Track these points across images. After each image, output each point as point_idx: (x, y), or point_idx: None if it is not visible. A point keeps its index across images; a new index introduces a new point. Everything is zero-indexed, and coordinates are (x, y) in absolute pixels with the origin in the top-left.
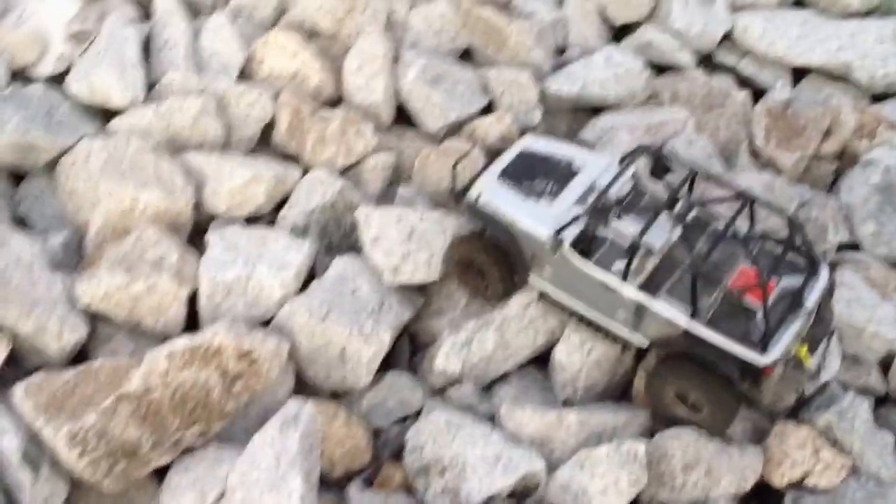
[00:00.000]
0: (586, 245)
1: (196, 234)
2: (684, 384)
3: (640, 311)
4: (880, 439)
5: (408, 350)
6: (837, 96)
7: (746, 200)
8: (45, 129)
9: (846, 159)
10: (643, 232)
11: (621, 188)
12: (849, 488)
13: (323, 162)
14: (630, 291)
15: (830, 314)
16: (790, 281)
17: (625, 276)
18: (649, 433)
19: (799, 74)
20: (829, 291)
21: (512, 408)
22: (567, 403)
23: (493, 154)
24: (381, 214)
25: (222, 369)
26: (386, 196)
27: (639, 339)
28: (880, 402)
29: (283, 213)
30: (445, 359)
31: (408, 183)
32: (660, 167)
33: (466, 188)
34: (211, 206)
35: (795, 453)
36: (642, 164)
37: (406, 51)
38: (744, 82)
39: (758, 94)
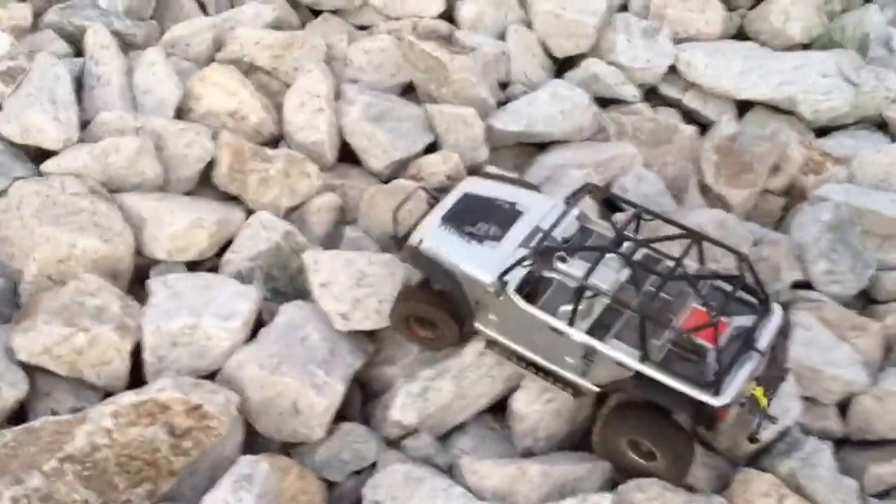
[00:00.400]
0: (532, 289)
1: (136, 281)
2: (636, 432)
3: (588, 355)
4: (845, 485)
5: (359, 399)
6: (784, 131)
7: (695, 239)
8: None
9: (794, 195)
10: (588, 273)
11: (567, 229)
12: None
13: (266, 204)
14: (578, 335)
15: (785, 355)
16: (742, 321)
17: (572, 319)
18: (612, 483)
19: (743, 107)
20: (784, 331)
21: (472, 461)
22: (527, 453)
23: (437, 196)
24: (330, 259)
25: (170, 425)
26: (332, 237)
27: (588, 385)
28: (838, 444)
29: (226, 257)
30: (401, 410)
31: (354, 224)
32: (608, 206)
33: (408, 234)
34: (151, 251)
35: (759, 502)
36: (589, 204)
37: (347, 87)
38: (688, 115)
39: (703, 127)
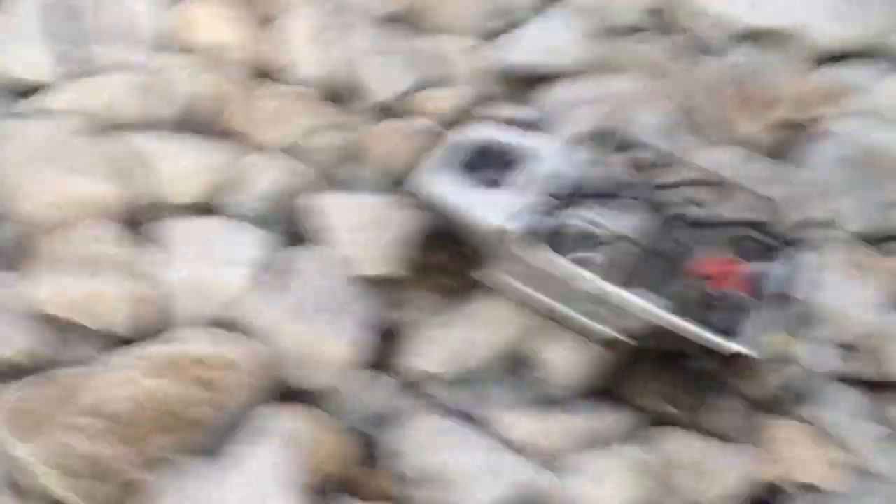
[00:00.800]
0: (554, 237)
1: (137, 224)
2: (660, 380)
3: (612, 306)
4: (871, 431)
5: (381, 346)
6: (796, 62)
7: (717, 182)
8: None
9: (808, 128)
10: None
11: (582, 173)
12: (841, 484)
13: (268, 142)
14: (598, 284)
15: (809, 299)
16: (765, 266)
17: (590, 267)
18: (641, 432)
19: (747, 37)
20: (806, 275)
21: (500, 411)
22: (553, 403)
23: (444, 134)
24: (339, 201)
25: (196, 376)
26: (338, 176)
27: (609, 330)
28: (868, 386)
29: (231, 199)
30: (423, 357)
31: (360, 161)
32: (621, 148)
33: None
34: (152, 193)
35: (785, 448)
36: (605, 146)
37: (349, 17)
38: (694, 44)
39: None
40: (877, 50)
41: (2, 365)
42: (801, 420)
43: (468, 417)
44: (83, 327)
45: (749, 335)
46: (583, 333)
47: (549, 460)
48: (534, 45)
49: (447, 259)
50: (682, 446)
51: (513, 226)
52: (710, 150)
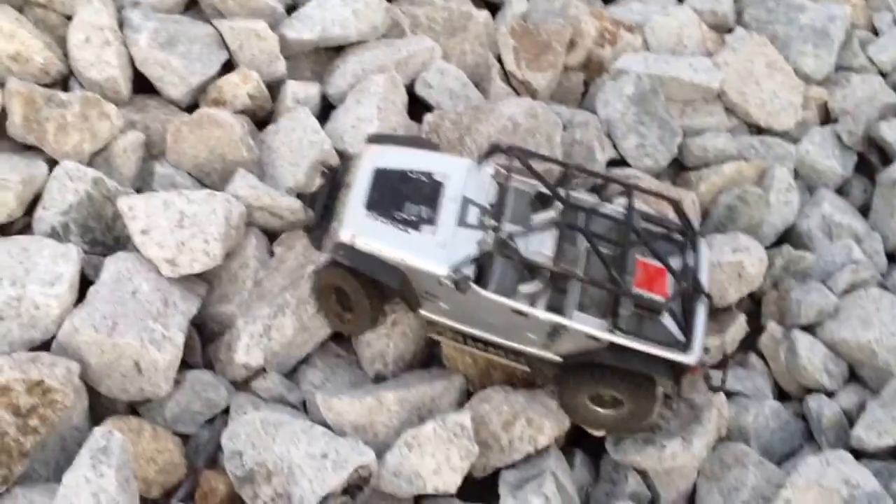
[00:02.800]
0: (485, 273)
1: None
2: (601, 389)
3: (555, 331)
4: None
5: (198, 343)
6: (573, 3)
7: (626, 189)
8: None
9: (592, 68)
10: (558, 254)
11: (489, 192)
12: (666, 418)
13: (68, 152)
14: (546, 315)
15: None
16: (680, 263)
17: (534, 300)
18: (466, 395)
19: None
20: (706, 264)
21: (327, 399)
22: (378, 378)
23: (333, 168)
24: (146, 202)
25: (13, 406)
26: (143, 176)
27: (552, 357)
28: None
29: (37, 214)
30: (246, 351)
31: (163, 158)
32: (521, 161)
33: (320, 220)
34: None
35: None
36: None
37: (130, 13)
38: None
39: (493, 7)
40: None
41: None
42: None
43: (297, 407)
44: None
45: (694, 343)
46: (520, 359)
47: (380, 439)
48: (321, 19)
49: (357, 292)
50: (504, 402)
51: (447, 271)
52: (503, 103)
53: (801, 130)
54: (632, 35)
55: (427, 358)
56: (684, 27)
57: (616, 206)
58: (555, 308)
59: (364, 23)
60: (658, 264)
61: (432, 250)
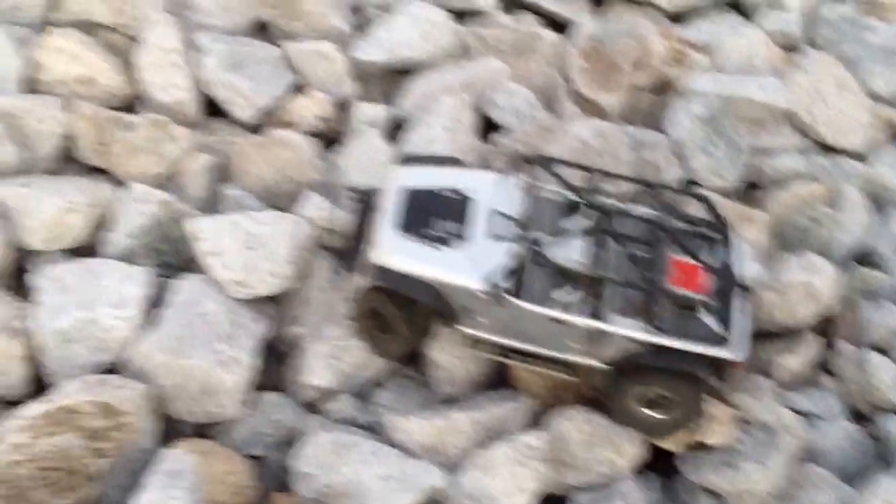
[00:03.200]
0: (520, 284)
1: (13, 275)
2: (647, 389)
3: (595, 337)
4: (759, 385)
5: (270, 364)
6: (643, 24)
7: (655, 188)
8: None
9: (661, 88)
10: (592, 258)
11: (519, 204)
12: (741, 440)
13: (137, 174)
14: (585, 321)
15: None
16: (716, 260)
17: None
18: (538, 417)
19: (599, 1)
20: (744, 260)
21: (398, 419)
22: (448, 399)
23: (365, 194)
24: (214, 225)
25: (83, 429)
26: (212, 199)
27: (595, 363)
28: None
29: (106, 237)
30: (316, 373)
31: (232, 181)
32: (547, 169)
33: (355, 246)
34: (26, 242)
35: None
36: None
37: (199, 35)
38: (545, 17)
39: (561, 27)
40: (717, 1)
41: None
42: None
43: (368, 429)
44: None
45: (736, 338)
46: (563, 369)
47: (451, 460)
48: (389, 41)
49: (397, 317)
50: (587, 423)
51: (480, 283)
52: (572, 125)
53: (871, 150)
54: (701, 55)
55: (497, 379)
56: (754, 47)
57: (646, 209)
58: (591, 313)
59: (432, 45)
60: (692, 262)
61: (464, 265)
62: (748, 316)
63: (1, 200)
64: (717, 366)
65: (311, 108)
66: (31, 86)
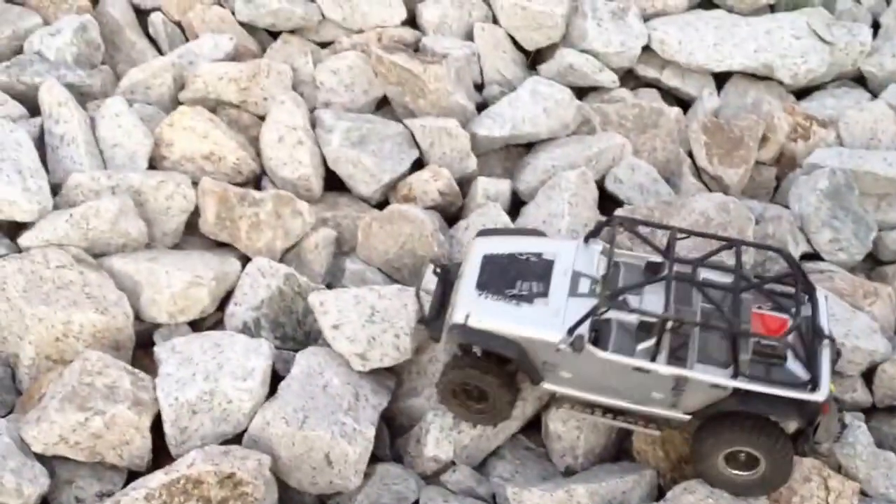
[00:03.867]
0: (598, 336)
1: (138, 347)
2: (734, 443)
3: (678, 386)
4: (884, 460)
5: (387, 436)
6: (766, 99)
7: (736, 245)
8: None
9: (784, 163)
10: (667, 305)
11: (599, 267)
12: None
13: (261, 248)
14: (668, 369)
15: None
16: (799, 313)
17: (655, 355)
18: (658, 489)
19: (721, 77)
20: (827, 314)
21: (518, 491)
22: (568, 472)
23: (446, 265)
24: (337, 298)
25: (205, 499)
26: (333, 272)
27: (679, 416)
28: (866, 413)
29: (229, 310)
30: (436, 445)
31: (353, 254)
32: (632, 232)
33: (436, 313)
34: (150, 315)
35: (803, 488)
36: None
37: (323, 112)
38: (667, 93)
39: (683, 103)
40: (841, 76)
41: None
42: (817, 456)
43: (486, 500)
44: (92, 464)
45: (821, 381)
46: (649, 424)
47: None
48: (511, 116)
49: (490, 381)
50: (709, 499)
51: (562, 336)
52: (694, 199)
53: None
54: (825, 130)
55: (617, 451)
56: (879, 121)
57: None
58: (674, 361)
59: (555, 120)
60: (775, 314)
61: (546, 319)
62: (828, 362)
63: (129, 275)
64: (803, 411)
65: (434, 183)
66: (159, 163)
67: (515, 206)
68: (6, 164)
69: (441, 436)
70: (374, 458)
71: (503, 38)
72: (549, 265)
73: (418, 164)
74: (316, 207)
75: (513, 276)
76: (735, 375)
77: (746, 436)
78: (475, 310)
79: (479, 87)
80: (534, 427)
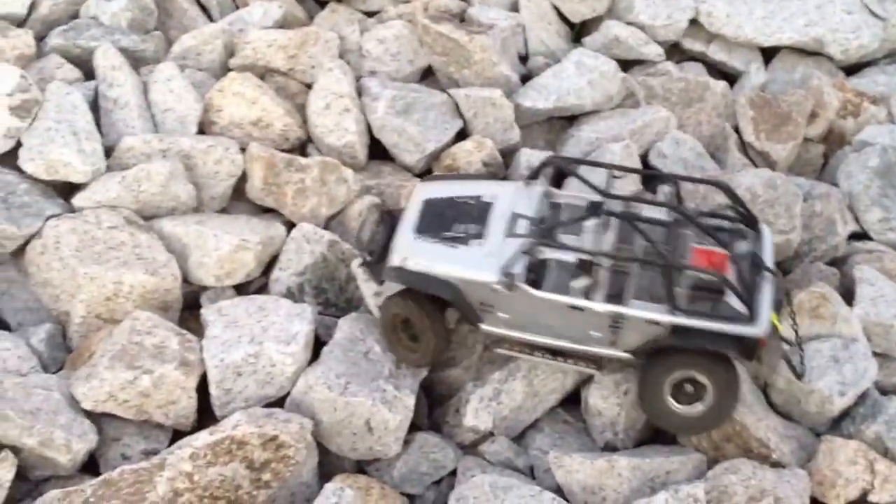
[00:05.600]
0: (535, 276)
1: (185, 312)
2: (678, 371)
3: (616, 324)
4: None
5: (425, 405)
6: (815, 74)
7: (671, 179)
8: (7, 218)
9: (833, 140)
10: (596, 241)
11: (539, 209)
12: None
13: (306, 214)
14: (604, 306)
15: (779, 274)
16: (740, 247)
17: (589, 293)
18: (701, 469)
19: (769, 52)
20: (771, 249)
21: (560, 455)
22: (608, 447)
23: (389, 211)
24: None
25: (248, 460)
26: (375, 240)
27: (619, 354)
28: None
29: (274, 274)
30: (475, 415)
31: None
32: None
33: (380, 254)
34: (197, 277)
35: (848, 470)
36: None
37: (369, 81)
38: (713, 68)
39: (729, 77)
40: (893, 53)
41: (63, 465)
42: (860, 439)
43: (524, 472)
44: (139, 423)
45: (759, 315)
46: (587, 363)
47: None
48: (556, 88)
49: (422, 321)
50: (753, 477)
51: (497, 276)
52: (741, 174)
53: None
54: (876, 107)
55: (659, 431)
56: None
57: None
58: (610, 299)
59: (599, 92)
60: (716, 250)
61: (481, 260)
62: (770, 295)
63: (177, 237)
64: (742, 345)
65: (477, 154)
66: (208, 128)
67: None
68: (62, 126)
69: (480, 406)
70: (413, 427)
71: (549, 9)
72: (487, 207)
73: (461, 135)
74: (360, 175)
75: (451, 219)
76: (671, 311)
77: (695, 360)
78: (412, 252)
79: (524, 59)
80: (573, 401)
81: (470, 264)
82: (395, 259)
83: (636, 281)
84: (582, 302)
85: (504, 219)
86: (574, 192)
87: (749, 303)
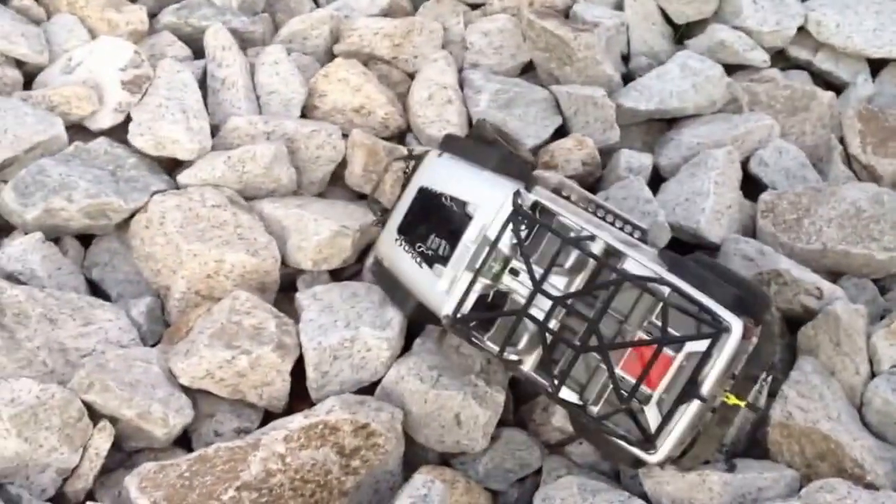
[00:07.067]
0: (486, 323)
1: (282, 294)
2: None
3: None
4: None
5: (512, 401)
6: None
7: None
8: (115, 191)
9: None
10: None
11: (521, 230)
12: None
13: None
14: (530, 375)
15: (773, 351)
16: (697, 346)
17: (502, 349)
18: (793, 487)
19: (877, 65)
20: (773, 328)
21: (648, 469)
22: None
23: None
24: None
25: (339, 446)
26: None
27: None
28: None
29: (368, 262)
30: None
31: None
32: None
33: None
34: (295, 261)
35: None
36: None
37: (471, 73)
38: (818, 77)
39: (834, 87)
40: None
41: (158, 438)
42: None
43: (610, 476)
44: (233, 401)
45: (663, 443)
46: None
47: None
48: (659, 90)
49: None
50: (847, 497)
51: (455, 317)
52: (845, 188)
53: None
54: None
55: (749, 443)
56: None
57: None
58: (539, 368)
59: (703, 96)
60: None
61: (437, 292)
62: (686, 420)
63: (277, 219)
64: (640, 463)
65: (577, 152)
66: (311, 112)
67: (654, 181)
68: (172, 103)
69: None
70: (499, 423)
71: (654, 9)
72: (465, 222)
73: (559, 132)
74: None
75: (430, 228)
76: (580, 406)
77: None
78: (388, 254)
79: (625, 58)
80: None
81: (430, 292)
82: (379, 250)
83: (569, 355)
84: (513, 361)
85: (474, 243)
86: (571, 213)
87: (662, 427)
